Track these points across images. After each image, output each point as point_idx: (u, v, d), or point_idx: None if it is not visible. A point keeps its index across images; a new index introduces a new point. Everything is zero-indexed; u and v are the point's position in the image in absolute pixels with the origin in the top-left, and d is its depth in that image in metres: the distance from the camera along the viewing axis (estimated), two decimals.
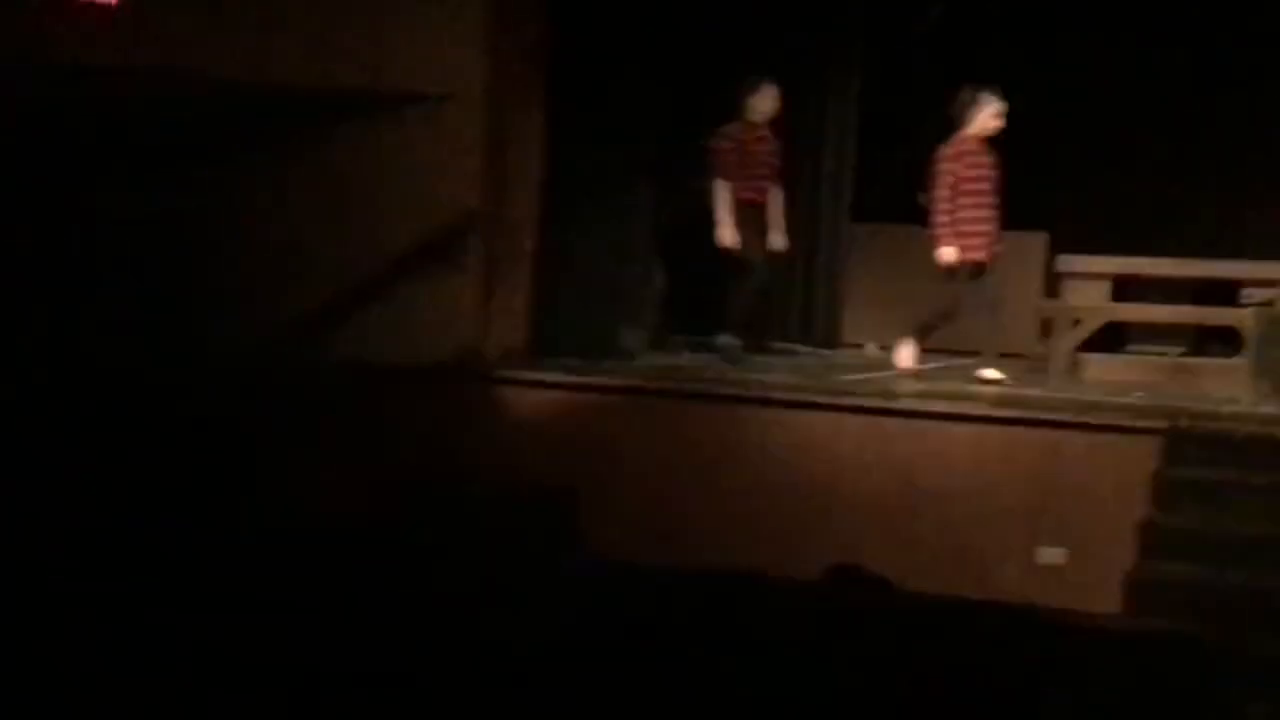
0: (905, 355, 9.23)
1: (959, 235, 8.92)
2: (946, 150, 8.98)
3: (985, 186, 9.01)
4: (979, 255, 8.96)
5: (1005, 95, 8.98)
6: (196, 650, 4.32)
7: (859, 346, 10.87)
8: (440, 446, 8.30)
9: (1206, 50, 10.75)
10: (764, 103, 9.64)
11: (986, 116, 8.97)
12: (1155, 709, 4.35)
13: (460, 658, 4.15)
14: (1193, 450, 7.57)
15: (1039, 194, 10.85)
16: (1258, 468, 7.46)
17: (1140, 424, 7.73)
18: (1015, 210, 9.95)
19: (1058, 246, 10.53)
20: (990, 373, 8.85)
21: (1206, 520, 7.27)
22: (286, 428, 8.19)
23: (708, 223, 9.59)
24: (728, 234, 9.54)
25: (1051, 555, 7.68)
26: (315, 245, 8.99)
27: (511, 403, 8.66)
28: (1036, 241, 10.97)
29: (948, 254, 8.90)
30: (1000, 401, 8.25)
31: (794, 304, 11.38)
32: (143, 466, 7.14)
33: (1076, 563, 7.55)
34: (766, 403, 8.37)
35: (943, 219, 8.93)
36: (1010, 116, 8.99)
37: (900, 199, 10.05)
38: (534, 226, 9.38)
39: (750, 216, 9.61)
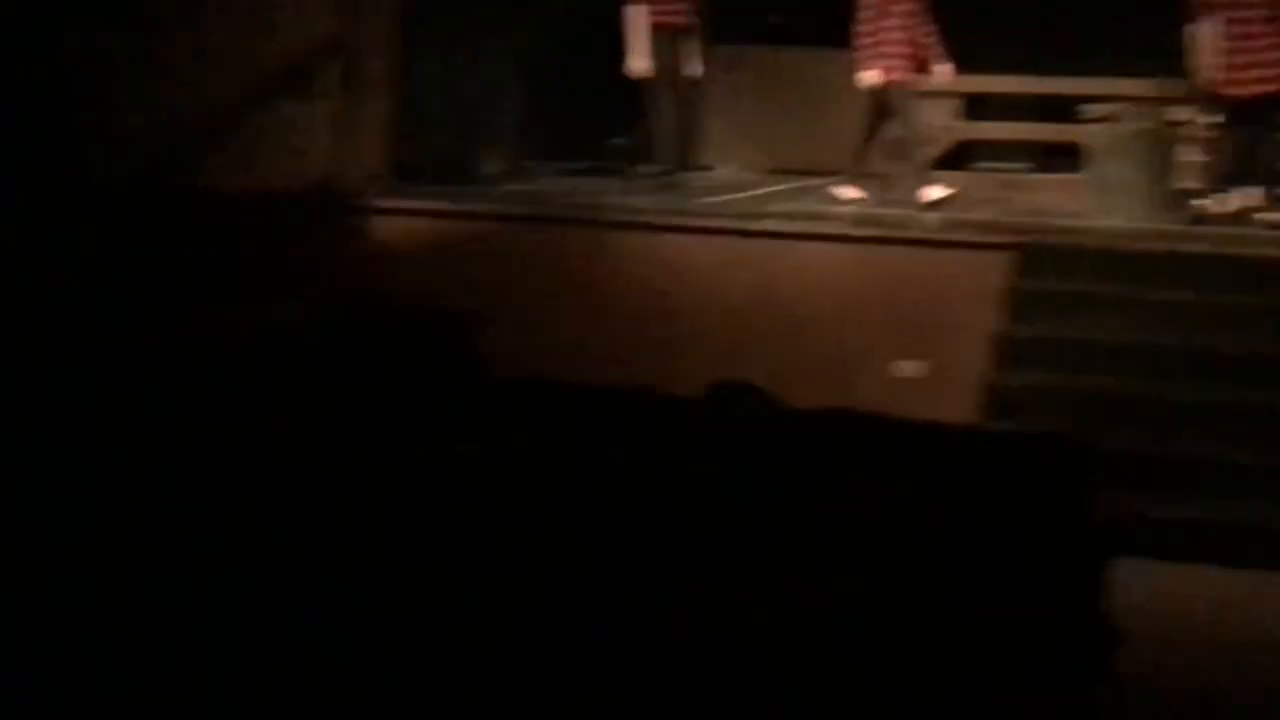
0: (848, 192, 9.21)
1: (881, 56, 8.96)
2: None
3: (908, 6, 9.04)
4: (898, 76, 9.04)
5: None
6: None
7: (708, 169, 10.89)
8: (316, 274, 8.31)
9: None
10: None
11: None
12: (1017, 501, 4.58)
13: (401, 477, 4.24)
14: (1045, 263, 7.87)
15: None
16: (1106, 279, 7.78)
17: (993, 239, 8.01)
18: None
19: None
20: (848, 191, 9.04)
21: (1058, 330, 7.58)
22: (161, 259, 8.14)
23: (575, 42, 9.54)
24: (638, 62, 9.35)
25: (910, 368, 7.96)
26: (177, 71, 8.85)
27: (381, 231, 8.68)
28: None
29: (869, 76, 8.96)
30: (859, 221, 8.47)
31: None
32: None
33: (935, 375, 7.83)
34: (637, 227, 8.51)
35: (865, 40, 8.99)
36: None
37: (756, 21, 10.13)
38: (390, 51, 9.28)
39: (664, 42, 9.41)
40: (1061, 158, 10.03)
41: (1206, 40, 8.55)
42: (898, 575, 4.05)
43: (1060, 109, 9.95)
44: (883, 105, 9.06)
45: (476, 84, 9.67)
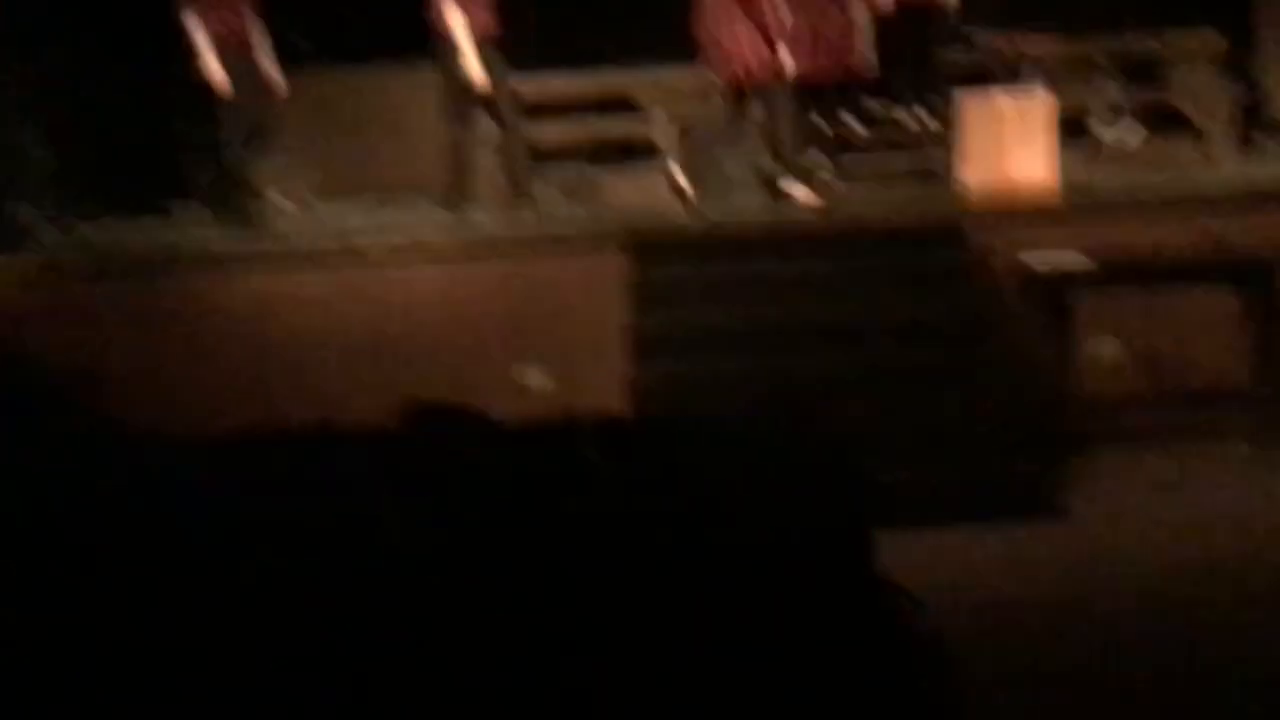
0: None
1: None
2: None
3: None
4: None
5: None
6: None
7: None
8: None
9: None
10: None
11: None
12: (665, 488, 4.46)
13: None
14: (656, 255, 7.86)
15: None
16: (715, 262, 7.84)
17: (603, 236, 7.95)
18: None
19: None
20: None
21: (684, 317, 7.59)
22: None
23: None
24: (212, 72, 8.75)
25: (536, 377, 7.79)
26: None
27: None
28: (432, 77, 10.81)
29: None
30: (461, 232, 8.25)
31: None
32: None
33: (565, 379, 7.69)
34: (221, 265, 8.00)
35: None
36: None
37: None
38: None
39: (229, 54, 8.83)
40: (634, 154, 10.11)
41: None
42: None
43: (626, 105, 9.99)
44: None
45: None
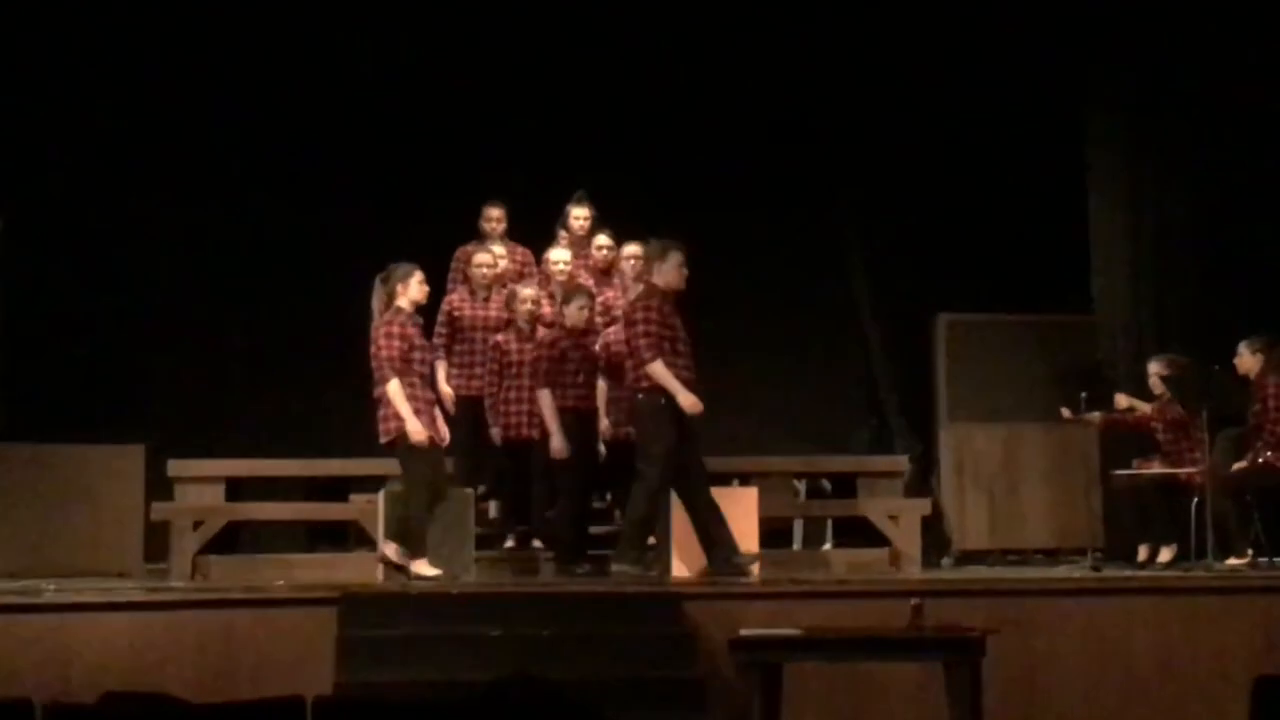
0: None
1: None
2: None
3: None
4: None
5: None
6: None
7: None
8: None
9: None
10: None
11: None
12: None
13: None
14: (367, 613, 7.72)
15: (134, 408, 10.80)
16: (428, 622, 7.72)
17: (316, 594, 7.78)
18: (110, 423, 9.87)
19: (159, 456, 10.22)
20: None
21: (387, 675, 7.38)
22: None
23: None
24: None
25: None
26: None
27: None
28: (135, 453, 10.56)
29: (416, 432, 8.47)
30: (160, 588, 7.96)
31: None
32: None
33: None
34: None
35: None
36: None
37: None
38: None
39: None
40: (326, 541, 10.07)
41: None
42: None
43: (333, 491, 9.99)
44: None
45: None
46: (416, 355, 8.57)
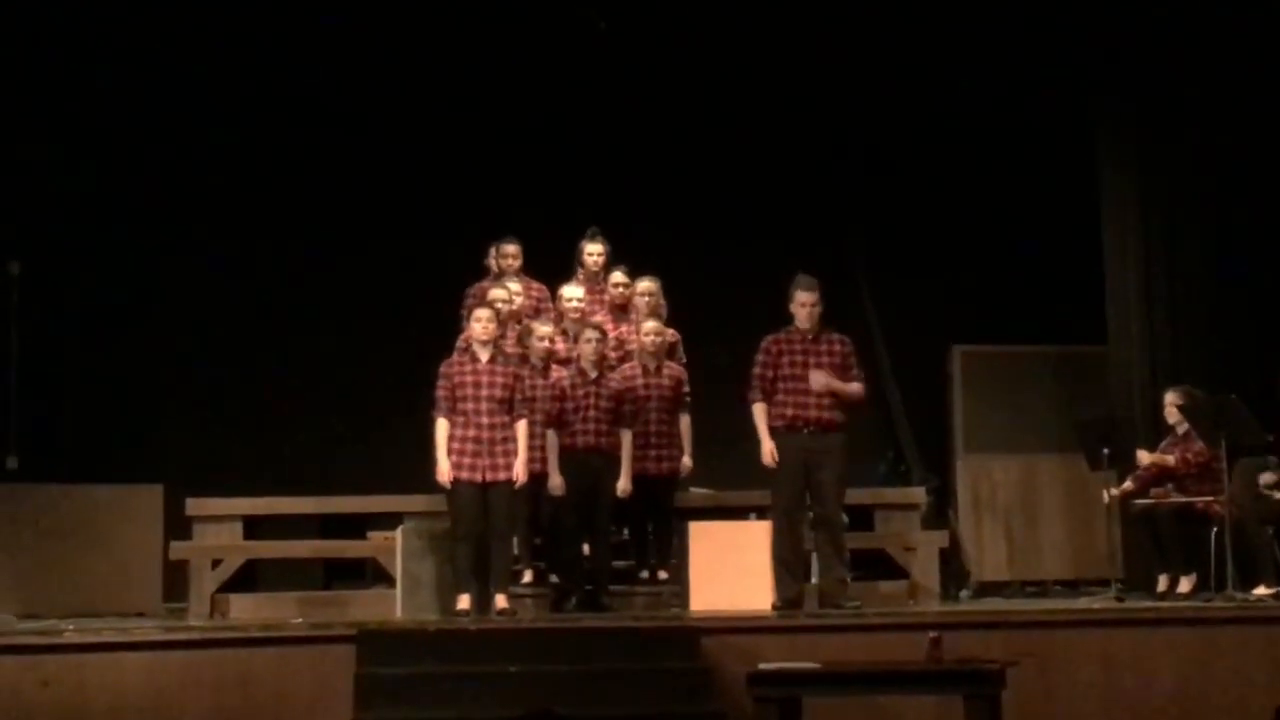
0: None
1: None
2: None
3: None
4: None
5: None
6: None
7: None
8: None
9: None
10: None
11: None
12: None
13: None
14: (384, 651, 7.71)
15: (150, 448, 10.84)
16: (440, 661, 7.71)
17: (334, 632, 7.77)
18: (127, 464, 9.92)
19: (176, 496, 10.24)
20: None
21: (405, 713, 7.36)
22: None
23: None
24: None
25: None
26: None
27: None
28: (153, 493, 10.60)
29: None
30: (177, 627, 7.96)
31: None
32: None
33: None
34: None
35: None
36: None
37: None
38: None
39: None
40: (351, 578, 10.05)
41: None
42: None
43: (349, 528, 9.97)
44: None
45: None
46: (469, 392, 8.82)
